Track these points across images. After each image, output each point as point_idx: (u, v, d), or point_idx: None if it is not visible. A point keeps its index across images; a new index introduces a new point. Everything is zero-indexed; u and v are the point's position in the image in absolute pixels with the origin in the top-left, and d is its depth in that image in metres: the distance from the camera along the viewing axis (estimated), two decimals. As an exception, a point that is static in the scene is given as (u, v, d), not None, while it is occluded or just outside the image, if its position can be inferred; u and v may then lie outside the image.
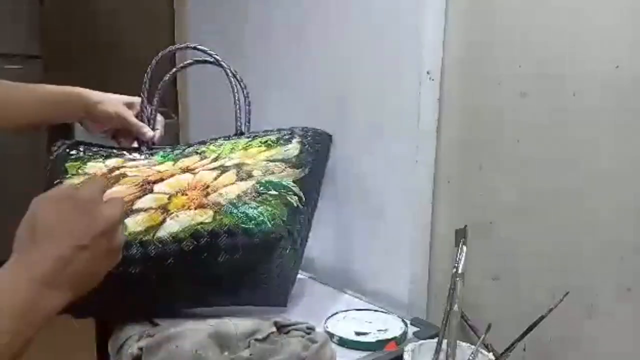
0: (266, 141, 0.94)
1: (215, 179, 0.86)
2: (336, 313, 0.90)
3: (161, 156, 0.97)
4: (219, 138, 0.99)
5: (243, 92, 0.99)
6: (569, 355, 0.81)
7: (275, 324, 0.77)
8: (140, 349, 0.74)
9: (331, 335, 0.84)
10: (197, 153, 0.96)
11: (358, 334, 0.84)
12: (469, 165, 0.91)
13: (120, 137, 1.02)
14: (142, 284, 0.77)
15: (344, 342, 0.83)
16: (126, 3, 2.43)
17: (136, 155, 0.99)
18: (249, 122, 1.00)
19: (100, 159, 0.95)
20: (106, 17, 2.46)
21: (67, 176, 0.90)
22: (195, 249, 0.76)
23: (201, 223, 0.77)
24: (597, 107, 0.76)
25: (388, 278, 1.00)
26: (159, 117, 1.04)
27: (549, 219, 0.82)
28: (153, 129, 1.01)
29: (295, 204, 0.83)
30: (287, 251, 0.79)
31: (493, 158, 0.89)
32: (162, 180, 0.87)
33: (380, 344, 0.83)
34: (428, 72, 0.91)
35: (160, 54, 1.01)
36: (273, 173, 0.86)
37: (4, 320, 0.52)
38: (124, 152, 0.99)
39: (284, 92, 1.15)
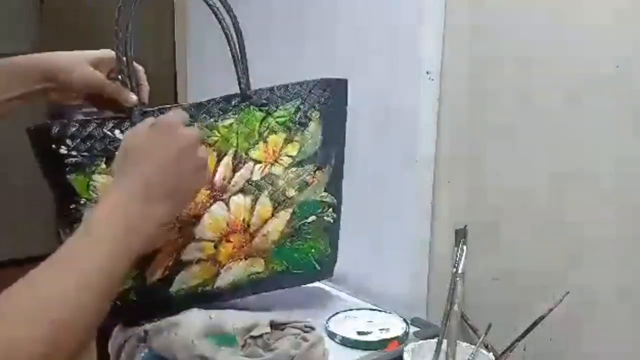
0: (284, 122, 0.85)
1: (252, 211, 0.85)
2: (337, 313, 0.90)
3: None
4: (223, 104, 0.84)
5: (238, 40, 0.84)
6: (569, 355, 0.82)
7: (272, 322, 0.78)
8: (146, 332, 0.78)
9: (333, 334, 0.84)
10: (208, 145, 0.82)
11: (360, 333, 0.85)
12: (469, 165, 0.91)
13: (96, 102, 0.85)
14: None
15: (346, 342, 0.83)
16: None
17: None
18: (245, 73, 0.85)
19: (102, 165, 0.80)
20: (106, 17, 2.46)
21: (82, 202, 0.80)
22: (253, 289, 0.87)
23: (255, 273, 0.86)
24: (597, 107, 0.76)
25: (388, 278, 1.00)
26: (138, 68, 0.84)
27: (548, 219, 0.82)
28: (136, 85, 0.81)
29: (332, 220, 0.90)
30: (333, 267, 0.93)
31: (493, 158, 0.89)
32: (196, 217, 0.83)
33: (383, 344, 0.83)
34: (428, 72, 0.91)
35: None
36: (306, 186, 0.87)
37: (121, 236, 0.59)
38: (118, 137, 0.80)
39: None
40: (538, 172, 0.83)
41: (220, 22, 0.83)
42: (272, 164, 0.86)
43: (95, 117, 0.82)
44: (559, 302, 0.73)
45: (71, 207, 0.80)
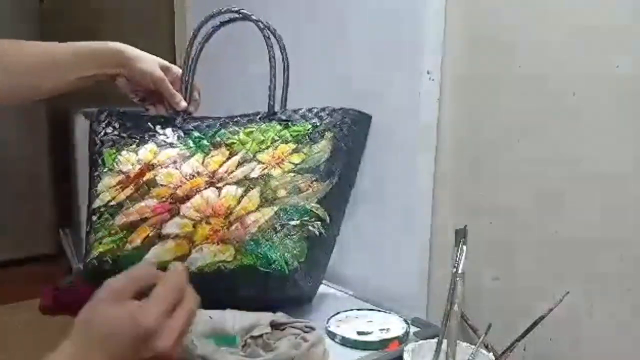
0: (296, 135, 0.92)
1: (239, 200, 0.87)
2: (337, 313, 0.90)
3: (194, 140, 0.95)
4: (251, 117, 0.96)
5: (284, 63, 0.94)
6: (569, 355, 0.82)
7: (272, 322, 0.78)
8: None
9: (333, 335, 0.84)
10: (226, 145, 0.94)
11: (360, 333, 0.85)
12: (469, 165, 0.91)
13: (150, 103, 0.98)
14: None
15: (346, 342, 0.83)
16: (127, 3, 2.43)
17: (169, 133, 0.97)
18: (285, 99, 0.96)
19: (134, 145, 0.96)
20: (106, 17, 2.46)
21: (105, 171, 0.94)
22: (218, 282, 0.83)
23: (223, 261, 0.84)
24: (597, 107, 0.76)
25: (388, 278, 1.00)
26: (198, 87, 1.00)
27: (548, 219, 0.82)
28: (190, 99, 0.97)
29: (317, 233, 0.86)
30: (304, 282, 0.86)
31: (493, 158, 0.89)
32: (189, 197, 0.89)
33: (383, 344, 0.83)
34: (428, 72, 0.91)
35: (202, 20, 0.95)
36: (299, 192, 0.87)
37: None
38: (157, 131, 0.97)
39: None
40: (538, 172, 0.83)
41: (268, 52, 0.93)
42: (273, 167, 0.90)
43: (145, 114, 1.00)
44: (559, 302, 0.73)
45: (95, 174, 0.95)
